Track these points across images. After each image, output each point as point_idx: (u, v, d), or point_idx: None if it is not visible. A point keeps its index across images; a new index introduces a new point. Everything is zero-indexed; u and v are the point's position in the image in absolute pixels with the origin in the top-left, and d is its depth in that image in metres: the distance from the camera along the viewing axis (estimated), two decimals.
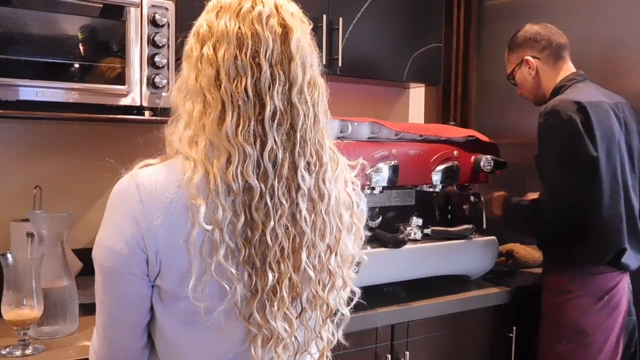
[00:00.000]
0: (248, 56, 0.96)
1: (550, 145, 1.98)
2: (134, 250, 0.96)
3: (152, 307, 1.02)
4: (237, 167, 0.93)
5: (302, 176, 0.98)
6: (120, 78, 1.72)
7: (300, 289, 1.00)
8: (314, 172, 0.99)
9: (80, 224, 2.06)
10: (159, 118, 1.82)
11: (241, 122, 0.95)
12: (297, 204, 0.97)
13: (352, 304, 1.11)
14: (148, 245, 0.95)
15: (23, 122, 1.99)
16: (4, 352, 1.42)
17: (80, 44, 1.68)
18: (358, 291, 1.11)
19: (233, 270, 0.93)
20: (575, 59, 2.37)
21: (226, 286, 0.93)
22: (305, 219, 0.98)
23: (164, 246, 0.95)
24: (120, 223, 0.96)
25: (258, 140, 0.95)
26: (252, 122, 0.95)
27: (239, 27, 0.97)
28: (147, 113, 1.80)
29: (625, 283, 2.01)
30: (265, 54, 0.96)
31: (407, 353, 1.94)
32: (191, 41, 1.02)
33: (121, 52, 1.72)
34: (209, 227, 0.93)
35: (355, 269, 1.11)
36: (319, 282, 1.02)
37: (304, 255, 0.98)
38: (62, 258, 1.57)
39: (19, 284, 1.42)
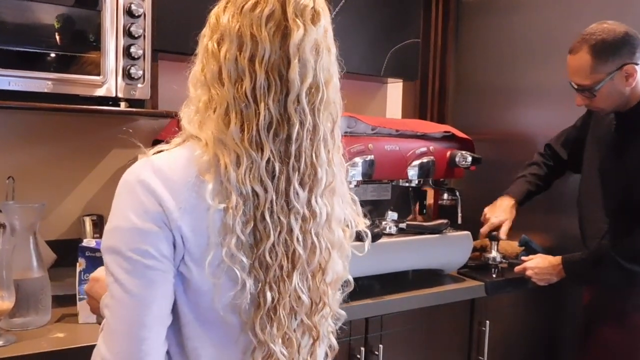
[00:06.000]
0: (246, 59, 0.92)
1: None
2: (163, 230, 0.90)
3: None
4: (245, 171, 0.91)
5: (296, 192, 0.94)
6: (95, 68, 1.71)
7: (297, 313, 0.97)
8: (307, 188, 0.95)
9: (53, 215, 2.05)
10: (134, 109, 1.81)
11: (245, 127, 0.91)
12: (290, 222, 0.94)
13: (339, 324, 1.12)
14: (174, 228, 0.91)
15: None
16: None
17: (55, 33, 1.67)
18: (343, 314, 1.10)
19: (244, 260, 0.92)
20: (551, 54, 2.40)
21: (237, 272, 0.91)
22: (297, 238, 0.94)
23: (188, 230, 0.91)
24: (144, 204, 0.91)
25: (260, 149, 0.92)
26: (253, 129, 0.91)
27: (240, 26, 0.93)
28: (122, 104, 1.78)
29: None
30: (262, 58, 0.91)
31: (381, 346, 1.96)
32: (205, 28, 0.99)
33: (96, 42, 1.71)
34: (221, 207, 0.90)
35: (340, 290, 1.10)
36: (311, 307, 0.99)
37: (295, 277, 0.95)
38: (34, 249, 1.56)
39: None
